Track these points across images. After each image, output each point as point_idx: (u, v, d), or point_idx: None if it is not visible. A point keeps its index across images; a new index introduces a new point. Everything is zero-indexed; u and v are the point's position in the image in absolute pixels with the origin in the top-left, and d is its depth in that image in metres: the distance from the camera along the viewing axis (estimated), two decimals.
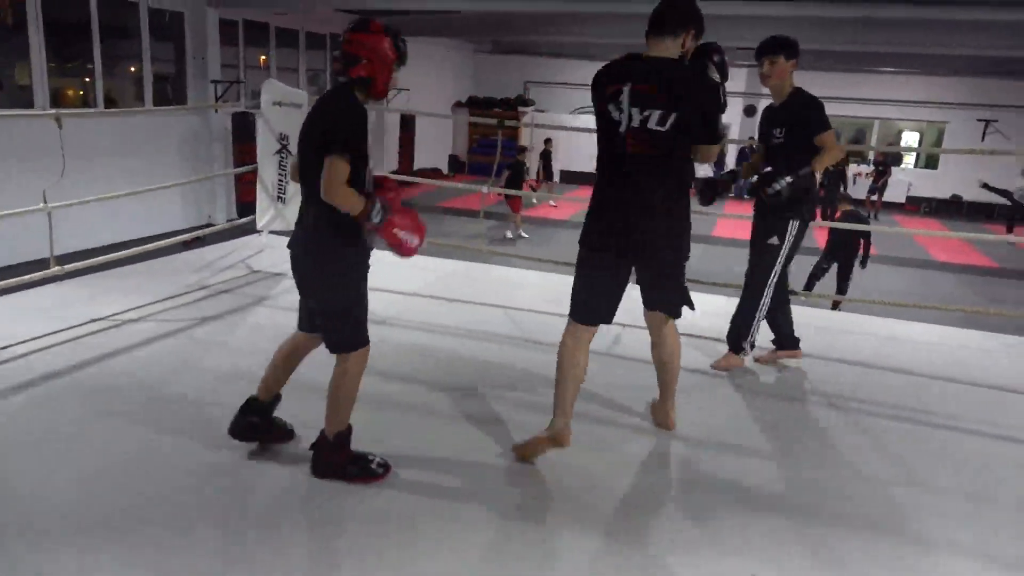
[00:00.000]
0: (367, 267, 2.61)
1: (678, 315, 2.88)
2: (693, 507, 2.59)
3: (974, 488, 2.81)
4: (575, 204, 16.13)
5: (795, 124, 3.39)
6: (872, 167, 18.51)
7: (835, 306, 7.20)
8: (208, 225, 9.03)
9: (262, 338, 3.87)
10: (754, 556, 2.31)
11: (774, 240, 3.49)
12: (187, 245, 6.83)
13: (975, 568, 2.33)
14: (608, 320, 2.78)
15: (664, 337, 2.91)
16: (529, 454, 2.76)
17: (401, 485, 2.60)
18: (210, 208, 11.97)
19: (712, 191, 3.44)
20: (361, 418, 3.00)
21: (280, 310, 4.38)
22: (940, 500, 2.71)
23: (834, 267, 8.07)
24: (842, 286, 7.99)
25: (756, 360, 3.84)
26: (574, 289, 2.80)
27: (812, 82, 15.56)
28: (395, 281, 5.05)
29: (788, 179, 3.29)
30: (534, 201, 14.49)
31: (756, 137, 3.77)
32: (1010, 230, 15.53)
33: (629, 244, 2.66)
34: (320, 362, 2.70)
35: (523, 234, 12.32)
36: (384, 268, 5.29)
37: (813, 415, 3.38)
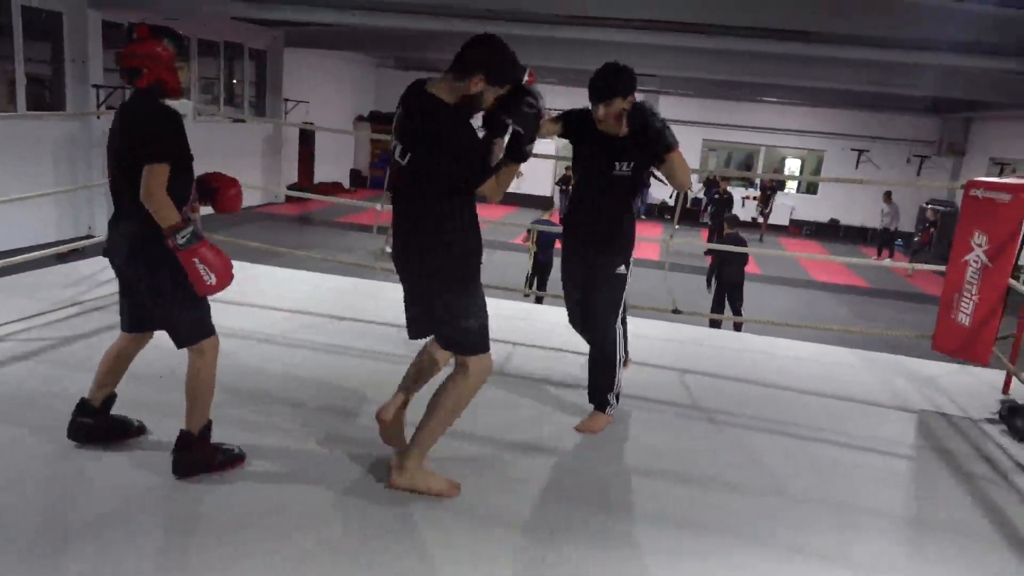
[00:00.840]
0: None
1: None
2: (556, 524, 2.61)
3: (838, 496, 2.97)
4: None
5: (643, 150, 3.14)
6: (759, 191, 19.52)
7: (738, 327, 7.46)
8: (87, 237, 8.52)
9: (140, 358, 3.66)
10: (617, 569, 2.36)
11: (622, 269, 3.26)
12: (62, 258, 6.41)
13: (839, 574, 2.47)
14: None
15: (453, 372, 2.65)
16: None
17: (276, 510, 2.51)
18: (89, 219, 11.32)
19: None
20: (237, 437, 2.91)
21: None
22: (805, 509, 2.85)
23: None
24: (736, 306, 8.36)
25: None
26: None
27: (703, 109, 16.37)
28: (281, 298, 4.90)
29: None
30: None
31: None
32: (880, 253, 16.73)
33: (400, 268, 2.67)
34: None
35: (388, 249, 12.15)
36: (270, 284, 5.18)
37: (689, 429, 3.49)
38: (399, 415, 2.82)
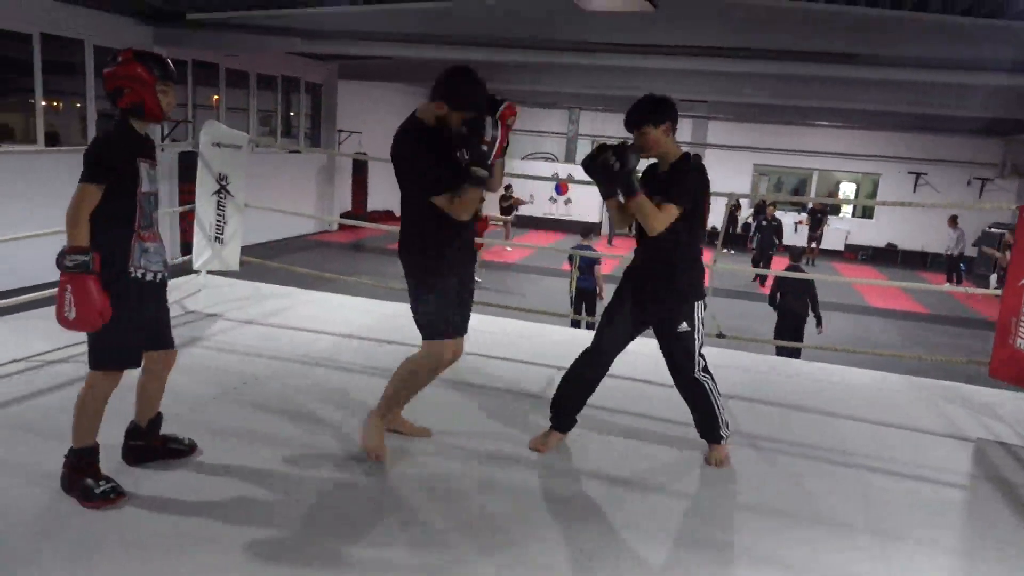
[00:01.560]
0: (128, 290, 2.57)
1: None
2: (596, 547, 2.61)
3: (885, 526, 2.89)
4: (526, 249, 16.34)
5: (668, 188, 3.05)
6: (808, 216, 19.18)
7: (797, 353, 7.27)
8: None
9: (193, 380, 3.81)
10: None
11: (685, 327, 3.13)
12: None
13: None
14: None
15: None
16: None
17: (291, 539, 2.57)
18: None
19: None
20: (289, 459, 2.99)
21: (213, 351, 4.32)
22: (852, 538, 2.78)
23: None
24: (795, 336, 8.13)
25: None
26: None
27: (756, 134, 16.21)
28: (329, 323, 5.03)
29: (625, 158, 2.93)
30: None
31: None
32: (950, 279, 16.17)
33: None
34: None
35: (477, 279, 12.31)
36: (321, 310, 5.32)
37: (734, 454, 3.44)
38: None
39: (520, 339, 5.02)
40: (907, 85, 12.44)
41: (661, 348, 3.21)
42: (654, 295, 3.14)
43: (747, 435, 3.66)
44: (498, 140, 2.76)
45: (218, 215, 5.36)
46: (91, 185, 2.46)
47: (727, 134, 20.31)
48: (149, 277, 2.63)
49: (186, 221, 10.12)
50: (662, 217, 2.94)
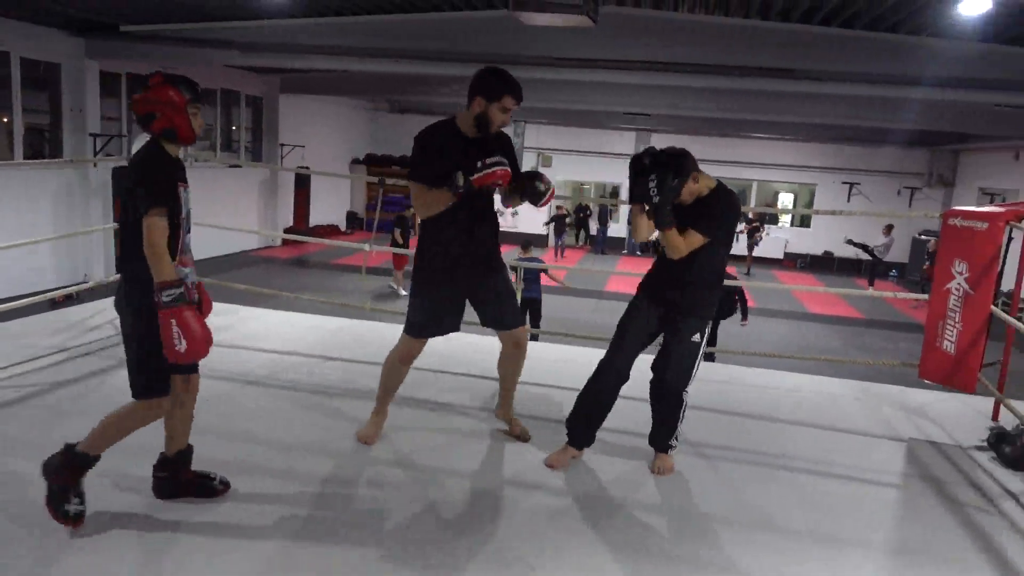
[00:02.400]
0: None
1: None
2: (535, 554, 2.60)
3: (825, 528, 2.96)
4: None
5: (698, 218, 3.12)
6: (746, 224, 19.68)
7: (710, 358, 7.51)
8: (79, 284, 8.56)
9: (119, 403, 3.66)
10: None
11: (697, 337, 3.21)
12: (55, 304, 6.45)
13: None
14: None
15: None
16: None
17: (249, 548, 2.50)
18: (87, 266, 11.40)
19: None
20: (231, 476, 2.91)
21: None
22: (793, 542, 2.83)
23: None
24: (711, 338, 8.37)
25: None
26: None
27: (698, 146, 16.64)
28: (271, 339, 4.92)
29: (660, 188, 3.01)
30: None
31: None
32: (871, 284, 16.79)
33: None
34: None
35: (401, 291, 12.18)
36: (262, 327, 5.20)
37: (675, 462, 3.47)
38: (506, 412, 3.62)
39: (471, 352, 4.99)
40: (840, 99, 12.90)
41: (660, 357, 3.24)
42: (673, 304, 3.17)
43: (691, 443, 3.69)
44: (501, 170, 2.97)
45: None
46: (157, 213, 2.41)
47: (670, 146, 20.66)
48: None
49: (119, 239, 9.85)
50: (684, 245, 3.02)
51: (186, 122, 2.52)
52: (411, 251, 7.72)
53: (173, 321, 2.38)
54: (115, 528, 2.59)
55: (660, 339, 3.32)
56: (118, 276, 2.64)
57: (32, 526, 2.55)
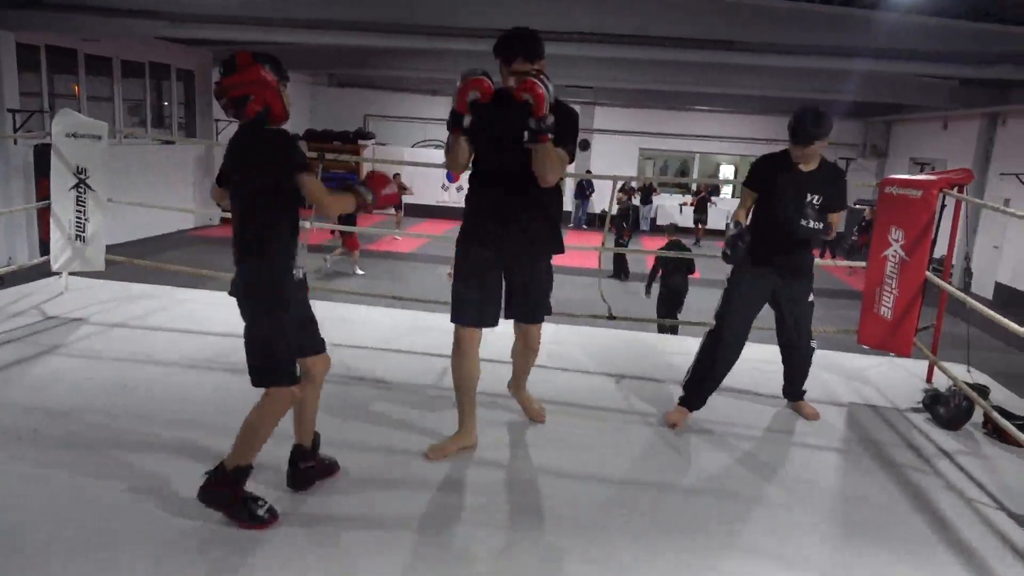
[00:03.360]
0: (291, 292, 2.53)
1: None
2: (499, 537, 2.58)
3: (766, 494, 3.01)
4: (419, 239, 16.12)
5: (829, 196, 3.47)
6: (694, 196, 19.96)
7: (674, 331, 7.63)
8: (3, 267, 8.14)
9: (47, 393, 3.50)
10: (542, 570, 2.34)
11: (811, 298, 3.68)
12: None
13: (769, 566, 2.49)
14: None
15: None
16: (440, 455, 3.04)
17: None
18: (9, 249, 10.86)
19: (747, 241, 3.47)
20: (169, 468, 2.80)
21: (79, 358, 3.98)
22: (737, 505, 2.88)
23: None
24: (675, 312, 8.50)
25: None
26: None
27: (641, 119, 16.60)
28: (211, 321, 4.76)
29: (821, 224, 3.43)
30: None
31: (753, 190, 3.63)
32: (822, 254, 17.17)
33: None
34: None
35: (359, 270, 12.05)
36: (200, 308, 5.02)
37: (624, 431, 3.49)
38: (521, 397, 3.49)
39: (413, 331, 4.91)
40: (779, 71, 13.08)
41: (783, 317, 3.64)
42: (795, 271, 3.56)
43: (642, 413, 3.72)
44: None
45: (78, 212, 4.95)
46: (307, 173, 2.45)
47: (613, 119, 20.75)
48: (299, 276, 2.59)
49: (46, 220, 9.39)
50: (838, 224, 3.53)
51: (280, 101, 2.48)
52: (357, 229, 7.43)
53: (383, 193, 2.61)
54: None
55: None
56: (235, 270, 2.55)
57: None
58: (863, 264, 4.44)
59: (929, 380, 4.42)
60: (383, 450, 3.13)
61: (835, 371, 4.57)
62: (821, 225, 3.40)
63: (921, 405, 3.99)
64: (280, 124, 2.53)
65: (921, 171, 16.69)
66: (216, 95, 2.49)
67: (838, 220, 3.56)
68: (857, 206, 18.07)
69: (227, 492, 2.47)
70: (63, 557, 2.30)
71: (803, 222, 3.38)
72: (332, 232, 12.04)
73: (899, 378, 4.51)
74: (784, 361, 3.80)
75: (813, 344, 3.78)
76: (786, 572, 2.48)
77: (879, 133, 20.35)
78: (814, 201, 3.45)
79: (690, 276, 8.75)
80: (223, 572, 2.31)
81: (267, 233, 2.48)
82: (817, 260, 3.94)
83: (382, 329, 4.88)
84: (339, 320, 4.85)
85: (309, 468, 2.76)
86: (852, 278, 15.27)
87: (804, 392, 3.86)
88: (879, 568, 2.54)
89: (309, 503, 2.69)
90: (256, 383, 2.52)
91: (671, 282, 8.51)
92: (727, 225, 3.68)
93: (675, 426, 3.55)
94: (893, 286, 4.11)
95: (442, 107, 21.14)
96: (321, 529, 2.55)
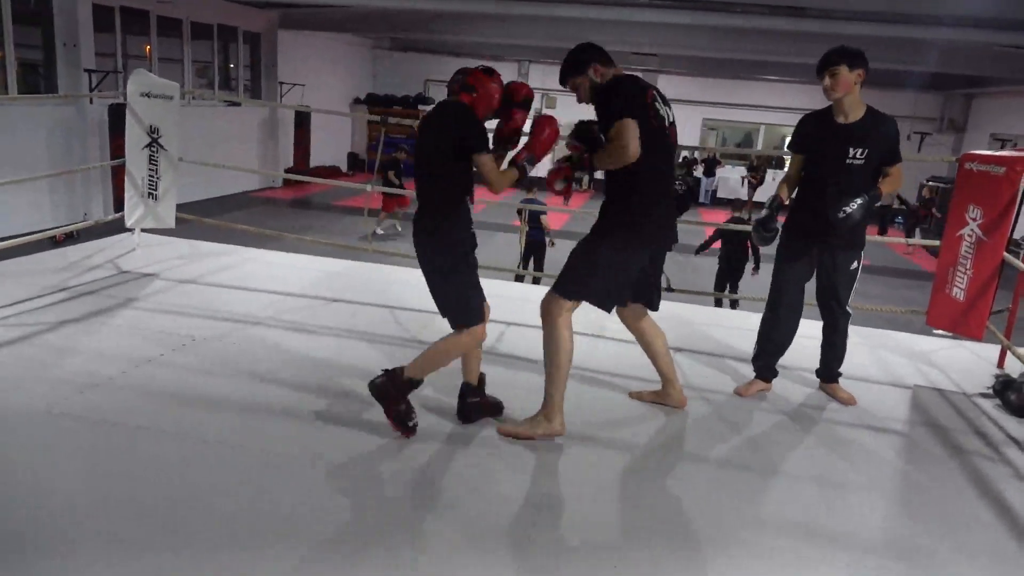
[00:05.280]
0: (472, 249, 2.92)
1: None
2: (543, 500, 2.60)
3: (828, 473, 2.96)
4: (476, 205, 16.10)
5: (877, 148, 3.24)
6: (756, 172, 19.41)
7: (734, 305, 7.50)
8: (79, 222, 8.48)
9: (123, 343, 3.66)
10: (617, 551, 2.36)
11: (855, 265, 3.47)
12: (57, 243, 6.40)
13: (828, 549, 2.46)
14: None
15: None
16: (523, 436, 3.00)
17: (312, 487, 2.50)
18: (86, 205, 11.30)
19: (772, 229, 3.44)
20: (232, 420, 2.91)
21: (147, 312, 4.15)
22: (796, 487, 2.84)
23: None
24: (734, 284, 8.33)
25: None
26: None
27: (705, 88, 16.21)
28: (273, 281, 4.88)
29: (859, 201, 3.14)
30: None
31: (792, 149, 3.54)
32: (883, 231, 16.58)
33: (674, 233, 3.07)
34: None
35: (379, 231, 12.05)
36: (263, 268, 5.16)
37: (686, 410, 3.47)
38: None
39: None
40: (853, 39, 12.53)
41: (823, 284, 3.49)
42: (841, 241, 3.36)
43: (696, 388, 3.69)
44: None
45: (151, 170, 5.11)
46: (488, 153, 2.80)
47: (677, 88, 20.27)
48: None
49: (120, 177, 9.72)
50: (898, 180, 3.33)
51: (483, 113, 2.85)
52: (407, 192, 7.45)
53: (549, 159, 2.92)
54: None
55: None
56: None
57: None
58: (927, 242, 4.28)
59: (1000, 365, 4.26)
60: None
61: (900, 352, 4.44)
62: (859, 204, 3.12)
63: (991, 391, 3.85)
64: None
65: (1002, 147, 15.89)
66: (462, 71, 2.90)
67: (898, 175, 3.30)
68: (929, 183, 17.34)
69: (394, 393, 2.86)
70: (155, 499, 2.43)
71: (839, 215, 3.13)
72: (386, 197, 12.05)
73: (968, 362, 4.36)
74: (825, 330, 3.62)
75: (849, 310, 3.55)
76: (845, 554, 2.45)
77: (958, 107, 19.39)
78: (858, 155, 3.21)
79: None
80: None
81: (455, 198, 2.85)
82: (877, 237, 3.80)
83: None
84: (384, 281, 4.93)
85: (475, 403, 3.05)
86: (915, 256, 14.73)
87: (839, 375, 3.67)
88: (941, 556, 2.49)
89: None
90: (453, 323, 2.91)
91: (730, 256, 8.33)
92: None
93: (743, 395, 3.59)
94: (968, 267, 3.94)
95: (503, 72, 20.97)
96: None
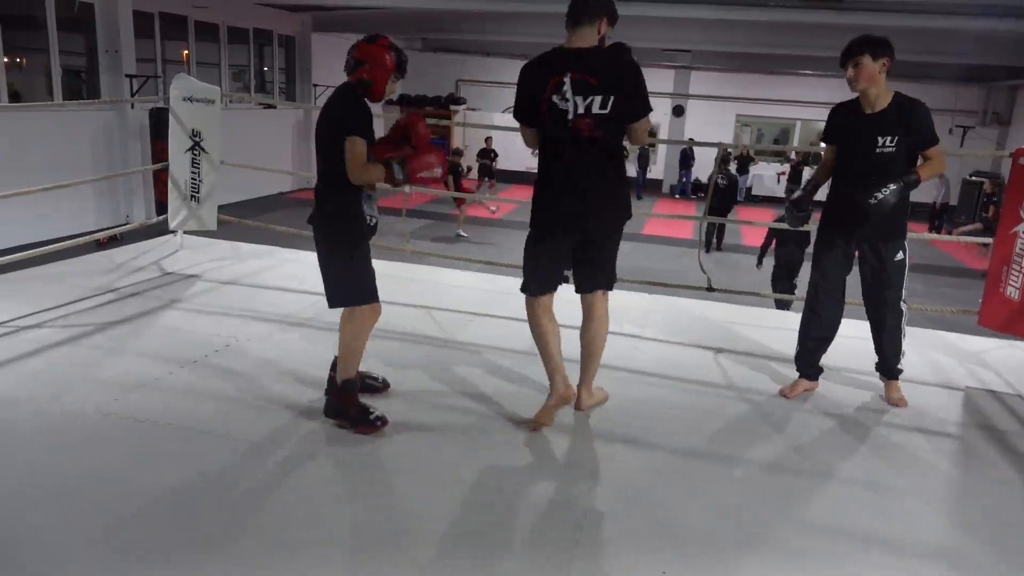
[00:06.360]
0: (365, 234, 2.90)
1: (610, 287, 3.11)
2: (585, 495, 2.58)
3: (879, 476, 2.89)
4: (510, 204, 16.11)
5: (907, 134, 3.17)
6: (790, 165, 19.09)
7: (787, 306, 7.31)
8: (120, 225, 8.65)
9: (168, 343, 3.71)
10: (664, 554, 2.32)
11: (900, 256, 3.36)
12: (100, 245, 6.52)
13: (879, 554, 2.40)
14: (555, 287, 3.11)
15: (597, 314, 3.09)
16: (545, 422, 3.04)
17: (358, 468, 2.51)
18: (128, 208, 11.52)
19: (805, 210, 3.48)
20: (277, 421, 2.94)
21: (191, 313, 4.21)
22: (847, 489, 2.77)
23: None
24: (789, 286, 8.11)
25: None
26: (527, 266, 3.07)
27: (739, 84, 15.97)
28: (314, 282, 4.91)
29: (893, 186, 3.05)
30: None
31: (825, 140, 3.52)
32: (933, 229, 16.18)
33: (578, 222, 2.93)
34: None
35: (462, 233, 12.22)
36: (300, 269, 5.20)
37: (725, 408, 3.42)
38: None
39: (506, 295, 4.94)
40: (893, 31, 12.27)
41: (866, 279, 3.41)
42: (879, 232, 3.29)
43: (740, 389, 3.63)
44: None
45: (193, 173, 5.18)
46: (359, 138, 2.71)
47: (710, 84, 20.06)
48: (372, 223, 2.93)
49: (161, 180, 9.88)
50: (939, 164, 3.24)
51: (383, 84, 2.79)
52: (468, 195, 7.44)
53: (419, 175, 2.79)
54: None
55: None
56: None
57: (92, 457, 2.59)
58: (976, 239, 4.16)
59: None
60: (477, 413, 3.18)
61: (950, 352, 4.32)
62: (892, 189, 3.03)
63: None
64: (373, 101, 2.83)
65: None
66: (350, 50, 2.82)
67: (938, 158, 3.20)
68: (973, 178, 16.91)
69: (342, 403, 2.92)
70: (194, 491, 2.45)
71: (871, 200, 3.04)
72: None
73: (1022, 363, 4.23)
74: (874, 330, 3.51)
75: (903, 307, 3.43)
76: (898, 560, 2.38)
77: (1002, 99, 18.88)
78: (887, 143, 3.15)
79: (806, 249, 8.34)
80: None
81: (343, 181, 2.76)
82: (927, 235, 3.70)
83: (477, 293, 4.93)
84: (426, 282, 4.94)
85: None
86: (965, 254, 14.38)
87: (900, 371, 3.54)
88: (996, 565, 2.41)
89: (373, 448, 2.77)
90: (340, 305, 2.91)
91: (783, 255, 8.17)
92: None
93: (787, 397, 3.53)
94: (1023, 265, 3.82)
95: None
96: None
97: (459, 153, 12.75)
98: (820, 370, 3.62)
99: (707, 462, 2.94)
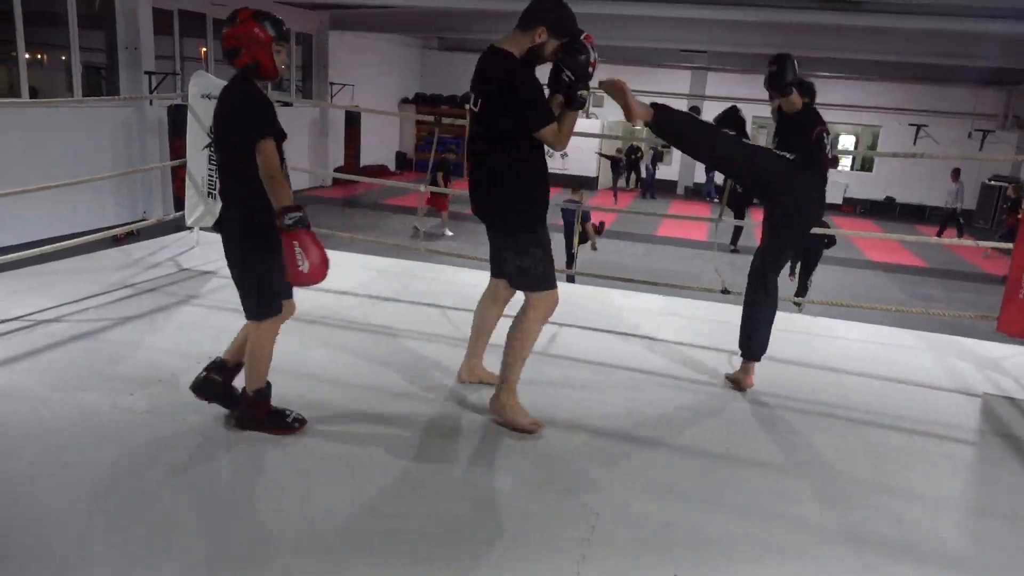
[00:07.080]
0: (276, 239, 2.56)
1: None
2: (600, 495, 2.58)
3: (895, 482, 2.86)
4: None
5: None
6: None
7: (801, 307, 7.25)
8: (138, 221, 8.72)
9: (184, 339, 3.74)
10: (676, 556, 2.31)
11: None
12: (118, 241, 6.58)
13: (894, 560, 2.37)
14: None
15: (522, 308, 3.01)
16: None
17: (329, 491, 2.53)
18: (146, 204, 11.61)
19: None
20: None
21: (207, 308, 4.24)
22: (863, 496, 2.75)
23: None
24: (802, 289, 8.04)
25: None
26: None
27: (755, 85, 15.73)
28: (327, 280, 4.92)
29: None
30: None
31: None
32: (940, 233, 16.05)
33: (478, 210, 2.97)
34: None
35: (447, 232, 12.08)
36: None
37: (738, 411, 3.40)
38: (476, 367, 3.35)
39: None
40: (912, 33, 12.17)
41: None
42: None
43: (753, 391, 3.61)
44: (593, 63, 2.79)
45: (210, 169, 5.21)
46: (270, 141, 2.52)
47: (726, 85, 19.97)
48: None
49: (179, 177, 9.93)
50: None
51: (270, 59, 2.59)
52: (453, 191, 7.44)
53: (295, 243, 2.45)
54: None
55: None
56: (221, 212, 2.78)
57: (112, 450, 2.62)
58: (995, 244, 4.10)
59: None
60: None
61: (969, 358, 4.28)
62: None
63: None
64: (270, 79, 2.67)
65: None
66: (222, 42, 2.63)
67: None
68: (992, 182, 16.73)
69: (254, 412, 2.81)
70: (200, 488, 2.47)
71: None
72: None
73: None
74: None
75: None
76: (915, 567, 2.36)
77: (1023, 103, 18.66)
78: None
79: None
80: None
81: (253, 181, 2.54)
82: (945, 240, 3.68)
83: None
84: (435, 280, 4.94)
85: (216, 381, 2.86)
86: (985, 261, 14.22)
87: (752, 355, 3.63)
88: (1013, 568, 2.38)
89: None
90: (250, 315, 2.78)
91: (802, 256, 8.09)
92: None
93: (747, 385, 3.61)
94: None
95: (547, 72, 20.93)
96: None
97: (453, 152, 12.59)
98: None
99: (721, 464, 2.93)
